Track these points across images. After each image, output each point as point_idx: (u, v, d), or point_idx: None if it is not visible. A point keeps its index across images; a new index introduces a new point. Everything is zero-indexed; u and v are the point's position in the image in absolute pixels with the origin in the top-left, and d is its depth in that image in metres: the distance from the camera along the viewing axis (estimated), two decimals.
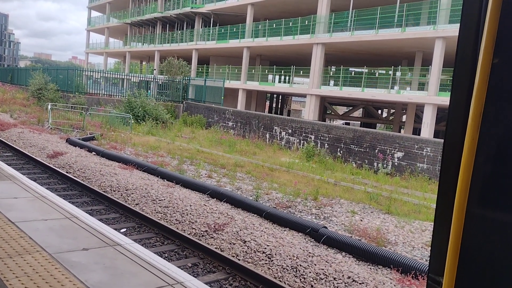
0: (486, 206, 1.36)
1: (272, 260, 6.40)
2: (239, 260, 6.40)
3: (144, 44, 49.02)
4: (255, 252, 6.65)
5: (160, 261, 4.42)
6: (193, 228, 7.64)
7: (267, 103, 47.13)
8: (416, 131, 28.05)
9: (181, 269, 5.71)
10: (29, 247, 4.17)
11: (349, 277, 5.93)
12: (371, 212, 10.02)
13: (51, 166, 11.34)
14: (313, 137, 18.82)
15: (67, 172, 10.95)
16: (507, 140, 1.32)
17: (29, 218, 5.04)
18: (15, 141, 14.87)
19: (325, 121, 34.48)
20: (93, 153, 13.98)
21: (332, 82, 28.61)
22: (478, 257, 1.37)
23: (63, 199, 6.89)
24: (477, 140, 1.34)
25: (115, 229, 6.74)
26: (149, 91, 30.15)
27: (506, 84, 1.31)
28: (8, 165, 9.28)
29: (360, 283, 5.82)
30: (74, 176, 10.60)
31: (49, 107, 20.04)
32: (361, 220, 9.18)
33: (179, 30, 42.83)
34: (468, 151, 1.36)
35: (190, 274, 5.60)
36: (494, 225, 1.33)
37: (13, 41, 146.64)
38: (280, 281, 5.86)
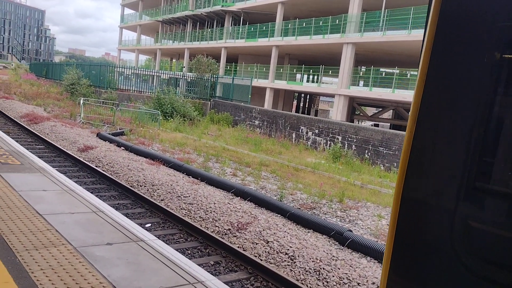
0: (418, 195, 1.52)
1: (294, 262, 6.32)
2: (261, 260, 6.35)
3: (175, 41, 49.66)
4: (277, 253, 6.59)
5: (182, 258, 4.42)
6: (216, 226, 7.64)
7: (295, 102, 46.87)
8: None
9: (203, 267, 5.72)
10: (55, 240, 4.25)
11: (373, 283, 5.79)
12: None
13: (81, 159, 11.61)
14: (340, 138, 18.56)
15: (96, 166, 11.17)
16: (438, 135, 1.49)
17: (56, 211, 5.14)
18: (47, 134, 15.31)
19: (353, 122, 33.96)
20: (122, 148, 14.23)
21: (361, 83, 28.17)
22: (409, 239, 1.56)
23: (91, 192, 7.02)
24: (413, 134, 1.52)
25: (140, 224, 6.82)
26: (177, 88, 30.50)
27: (438, 82, 1.47)
28: (40, 157, 9.55)
29: None
30: (103, 170, 10.81)
31: (81, 101, 20.54)
32: (388, 225, 8.96)
33: (209, 28, 43.16)
34: (406, 144, 1.54)
35: (211, 272, 5.60)
36: (424, 211, 1.51)
37: (49, 37, 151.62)
38: (302, 283, 5.78)
